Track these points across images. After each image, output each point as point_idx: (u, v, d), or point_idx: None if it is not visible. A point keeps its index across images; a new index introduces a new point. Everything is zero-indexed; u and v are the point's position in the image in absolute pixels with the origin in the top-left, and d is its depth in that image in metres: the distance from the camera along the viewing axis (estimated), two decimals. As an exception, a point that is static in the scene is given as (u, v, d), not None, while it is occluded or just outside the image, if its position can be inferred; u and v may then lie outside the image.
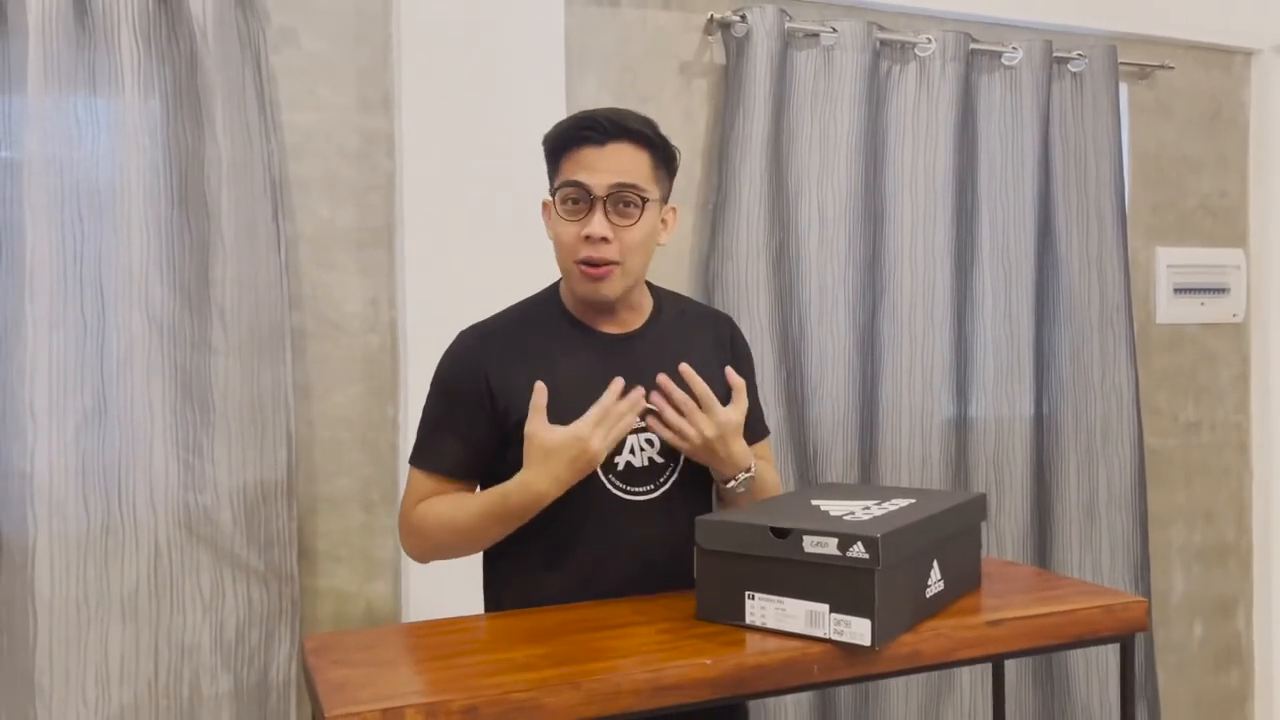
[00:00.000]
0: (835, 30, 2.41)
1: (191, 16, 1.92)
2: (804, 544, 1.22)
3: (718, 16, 2.36)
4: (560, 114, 2.16)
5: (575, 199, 1.43)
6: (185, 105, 1.94)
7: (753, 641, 1.23)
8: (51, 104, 1.86)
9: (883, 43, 2.47)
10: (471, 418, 1.47)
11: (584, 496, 1.43)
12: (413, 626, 1.47)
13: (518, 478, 1.40)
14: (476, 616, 1.43)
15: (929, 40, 2.50)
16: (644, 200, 1.44)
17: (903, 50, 2.50)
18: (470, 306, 2.06)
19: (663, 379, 1.44)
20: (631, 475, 1.47)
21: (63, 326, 1.87)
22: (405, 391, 2.11)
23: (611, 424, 1.38)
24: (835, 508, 1.34)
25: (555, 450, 1.37)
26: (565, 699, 1.10)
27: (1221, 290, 2.98)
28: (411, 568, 2.11)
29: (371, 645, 1.27)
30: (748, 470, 1.48)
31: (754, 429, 1.58)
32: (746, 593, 1.26)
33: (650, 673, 1.14)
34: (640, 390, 1.40)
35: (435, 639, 1.34)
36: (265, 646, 2.00)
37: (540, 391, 1.38)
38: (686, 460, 1.49)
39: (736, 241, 2.34)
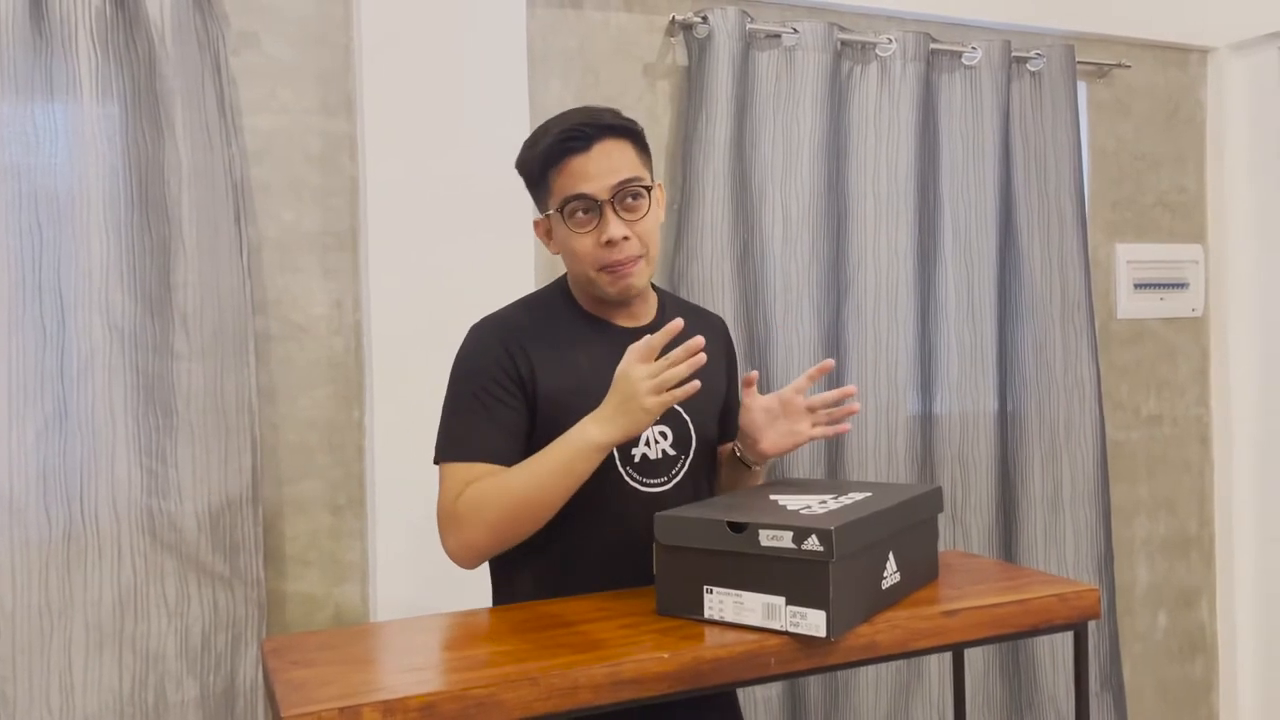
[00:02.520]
0: (796, 31, 2.43)
1: (149, 20, 1.92)
2: (760, 538, 1.23)
3: (679, 18, 2.37)
4: (523, 116, 2.19)
5: (584, 210, 1.42)
6: (144, 109, 1.93)
7: (711, 635, 1.24)
8: (8, 110, 1.85)
9: (844, 43, 2.50)
10: (505, 402, 1.44)
11: (603, 490, 1.43)
12: (374, 626, 1.47)
13: (577, 428, 1.38)
14: (440, 615, 1.43)
15: (889, 40, 2.53)
16: (647, 189, 1.46)
17: (864, 50, 2.53)
18: (435, 308, 2.08)
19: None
20: (648, 467, 1.48)
21: (21, 333, 1.86)
22: (371, 394, 2.11)
23: (655, 373, 1.32)
24: (792, 502, 1.35)
25: (611, 391, 1.35)
26: (523, 694, 1.11)
27: (1181, 285, 3.02)
28: (380, 570, 2.11)
29: (332, 645, 1.27)
30: None
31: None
32: (705, 587, 1.28)
33: (608, 667, 1.15)
34: (701, 355, 1.33)
35: (397, 638, 1.35)
36: (232, 652, 2.00)
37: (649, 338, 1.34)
38: (695, 451, 1.52)
39: (701, 241, 2.36)
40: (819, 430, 1.52)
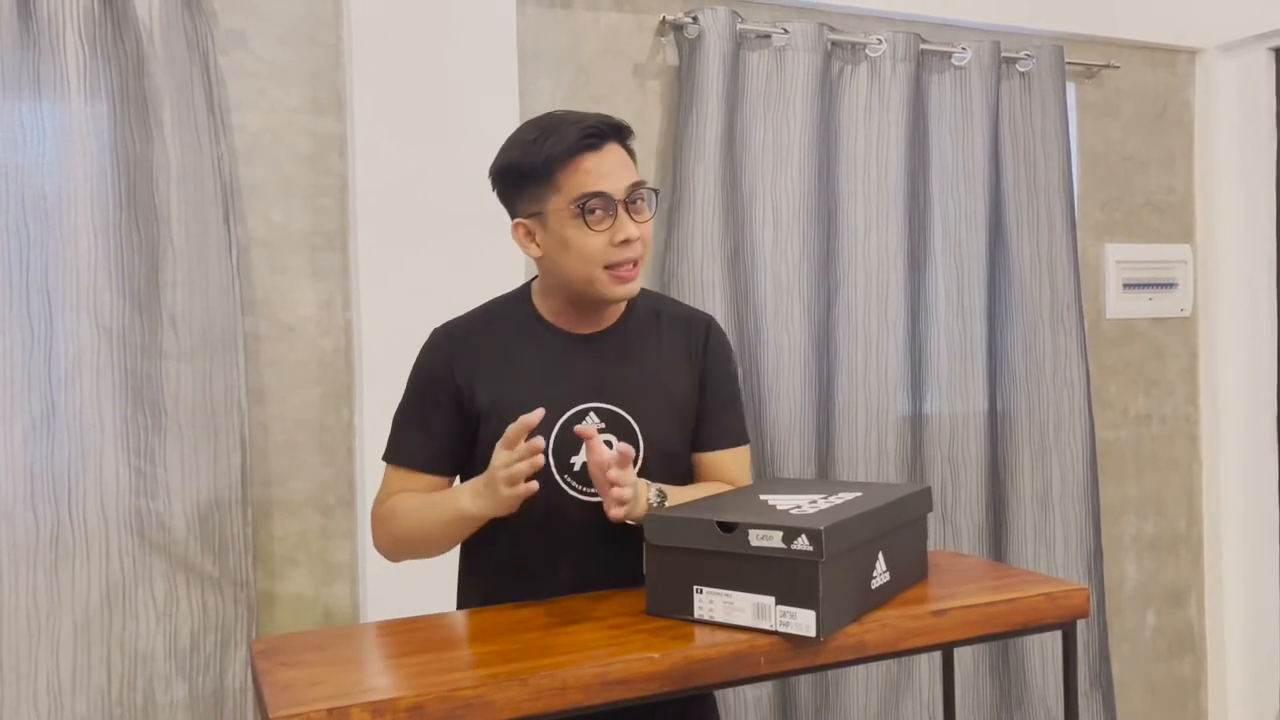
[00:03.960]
0: (787, 31, 2.44)
1: (138, 19, 1.91)
2: (750, 538, 1.24)
3: (670, 18, 2.37)
4: (513, 116, 2.18)
5: (598, 209, 1.41)
6: (132, 109, 1.93)
7: (701, 635, 1.24)
8: (-5, 108, 1.85)
9: (834, 43, 2.50)
10: (439, 412, 1.49)
11: (542, 498, 1.41)
12: (363, 627, 1.47)
13: (463, 485, 1.43)
14: (429, 616, 1.43)
15: (879, 41, 2.53)
16: (654, 193, 1.47)
17: (854, 51, 2.53)
18: (424, 308, 2.06)
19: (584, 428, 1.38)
20: (587, 476, 1.47)
21: (9, 333, 1.85)
22: (360, 394, 2.11)
23: (507, 462, 1.30)
24: (782, 502, 1.35)
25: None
26: (512, 695, 1.11)
27: (1169, 285, 3.04)
28: (370, 570, 2.10)
29: (321, 646, 1.27)
30: (658, 495, 1.42)
31: (722, 434, 1.56)
32: (695, 587, 1.28)
33: (598, 668, 1.15)
34: (538, 443, 1.30)
35: (386, 639, 1.35)
36: (221, 653, 1.99)
37: (534, 415, 1.30)
38: (643, 461, 1.49)
39: (691, 241, 2.36)
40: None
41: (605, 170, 1.41)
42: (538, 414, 1.30)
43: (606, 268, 1.43)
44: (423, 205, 2.11)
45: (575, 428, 1.39)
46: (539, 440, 1.30)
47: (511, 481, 1.30)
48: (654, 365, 1.52)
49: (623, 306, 1.55)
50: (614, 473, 1.31)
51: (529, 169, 1.43)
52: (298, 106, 2.12)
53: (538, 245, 1.47)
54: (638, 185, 1.44)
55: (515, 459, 1.30)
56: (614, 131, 1.44)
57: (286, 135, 2.11)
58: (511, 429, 1.30)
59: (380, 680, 1.19)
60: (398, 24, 2.11)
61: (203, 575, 1.97)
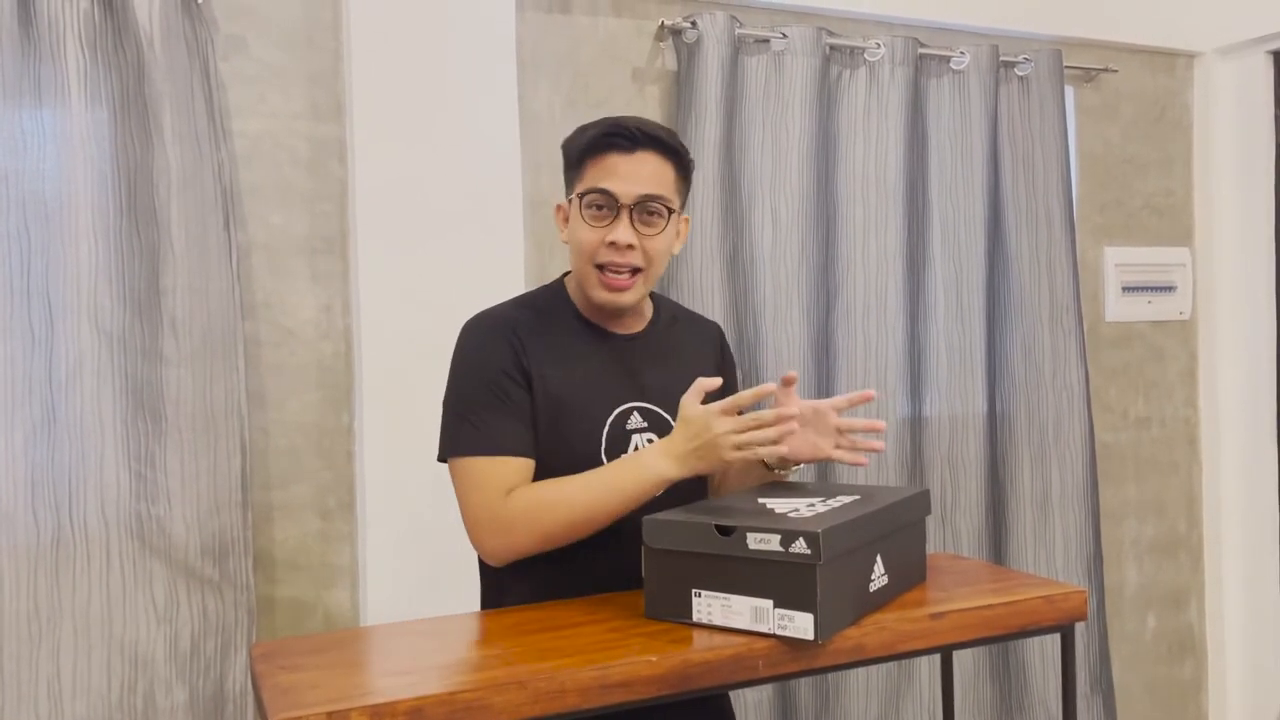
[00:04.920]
0: (785, 36, 2.44)
1: (138, 25, 1.92)
2: (748, 541, 1.24)
3: (669, 23, 2.38)
4: (513, 120, 2.20)
5: (600, 205, 1.43)
6: (133, 114, 1.93)
7: (699, 638, 1.24)
8: (-4, 114, 1.85)
9: (832, 48, 2.51)
10: (515, 393, 1.44)
11: None
12: (362, 631, 1.47)
13: (641, 454, 1.41)
14: (429, 619, 1.43)
15: (878, 45, 2.54)
16: (669, 211, 1.46)
17: (852, 55, 2.54)
18: (424, 313, 2.08)
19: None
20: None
21: (10, 338, 1.86)
22: (360, 398, 2.11)
23: (742, 428, 1.34)
24: (780, 505, 1.35)
25: (682, 426, 1.37)
26: (511, 698, 1.11)
27: (1169, 288, 3.04)
28: (370, 574, 2.11)
29: (320, 650, 1.27)
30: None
31: None
32: (693, 590, 1.28)
33: (596, 671, 1.15)
34: (793, 424, 1.35)
35: (385, 642, 1.35)
36: (221, 657, 1.99)
37: (711, 382, 1.37)
38: None
39: (690, 246, 2.36)
40: (840, 453, 1.51)
41: (623, 172, 1.42)
42: (714, 381, 1.37)
43: (598, 267, 1.44)
44: (422, 209, 2.12)
45: (783, 376, 1.43)
46: (793, 409, 1.35)
47: (741, 446, 1.33)
48: (687, 368, 1.52)
49: (649, 311, 1.57)
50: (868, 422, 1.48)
51: (569, 153, 1.49)
52: (297, 111, 2.12)
53: (565, 229, 1.51)
54: (650, 197, 1.43)
55: (751, 424, 1.33)
56: (653, 142, 1.44)
57: (286, 140, 2.12)
58: (742, 399, 1.34)
59: (379, 683, 1.19)
60: (397, 29, 2.11)
61: (203, 579, 1.97)
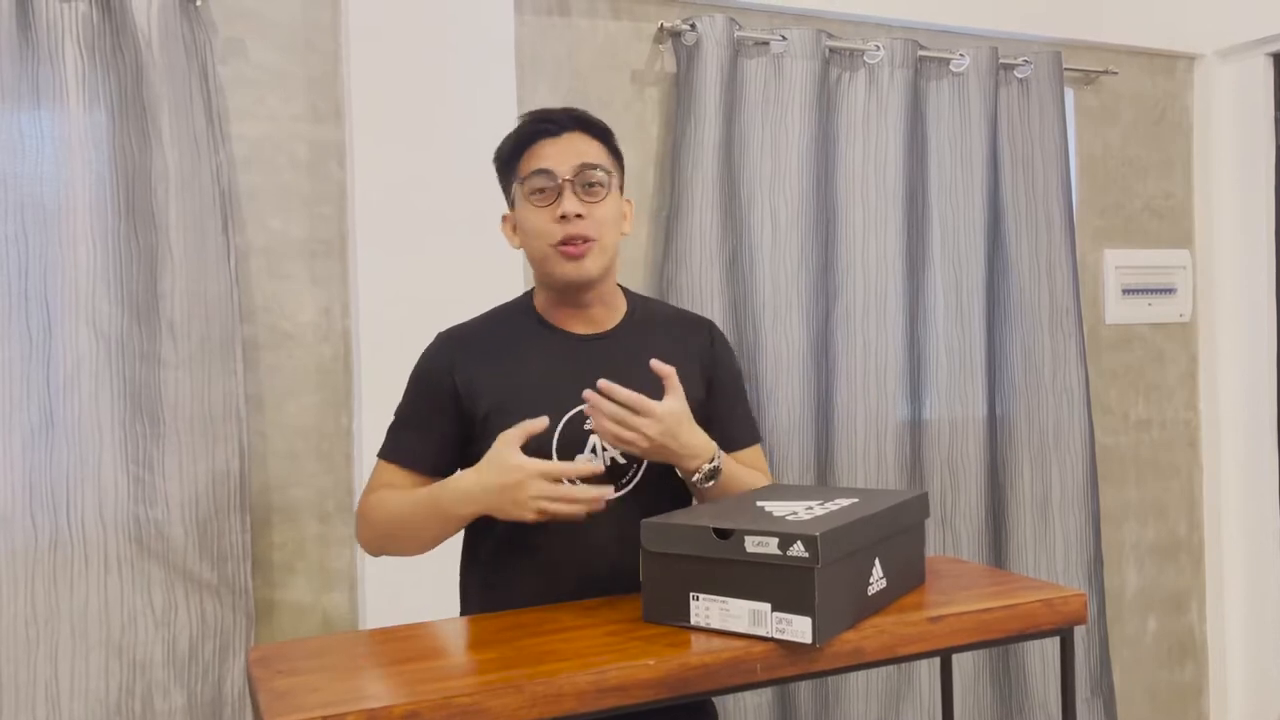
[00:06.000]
0: (785, 38, 2.44)
1: (136, 27, 1.92)
2: (746, 544, 1.23)
3: (668, 25, 2.38)
4: (511, 123, 2.17)
5: (542, 187, 1.46)
6: (131, 117, 1.93)
7: (697, 642, 1.24)
8: (-6, 117, 1.85)
9: (832, 50, 2.51)
10: (435, 412, 1.50)
11: None
12: (360, 634, 1.47)
13: (457, 475, 1.43)
14: (427, 623, 1.42)
15: (878, 48, 2.54)
16: (609, 176, 1.49)
17: (852, 57, 2.54)
18: (423, 315, 2.06)
19: (591, 392, 1.39)
20: (593, 477, 1.47)
21: (8, 342, 1.86)
22: (359, 401, 2.11)
23: (554, 496, 1.34)
24: (779, 508, 1.35)
25: (498, 465, 1.36)
26: (508, 702, 1.11)
27: (1169, 290, 3.04)
28: (368, 577, 2.10)
29: (318, 653, 1.27)
30: (711, 460, 1.44)
31: (741, 434, 1.59)
32: (691, 594, 1.27)
33: (594, 675, 1.15)
34: (601, 504, 1.37)
35: (383, 646, 1.34)
36: (219, 660, 1.99)
37: (537, 423, 1.37)
38: (646, 465, 1.50)
39: (690, 248, 2.36)
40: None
41: (553, 152, 1.47)
42: (541, 421, 1.36)
43: (556, 246, 1.46)
44: (421, 212, 2.12)
45: (584, 392, 1.39)
46: (608, 490, 1.39)
47: (543, 514, 1.34)
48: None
49: (622, 309, 1.56)
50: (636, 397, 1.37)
51: (501, 156, 1.53)
52: (296, 114, 2.12)
53: (519, 233, 1.52)
54: (587, 166, 1.46)
55: (561, 495, 1.33)
56: (574, 122, 1.49)
57: (285, 143, 2.12)
58: (512, 431, 1.35)
59: (376, 687, 1.18)
60: (396, 32, 2.11)
61: (201, 583, 1.97)
